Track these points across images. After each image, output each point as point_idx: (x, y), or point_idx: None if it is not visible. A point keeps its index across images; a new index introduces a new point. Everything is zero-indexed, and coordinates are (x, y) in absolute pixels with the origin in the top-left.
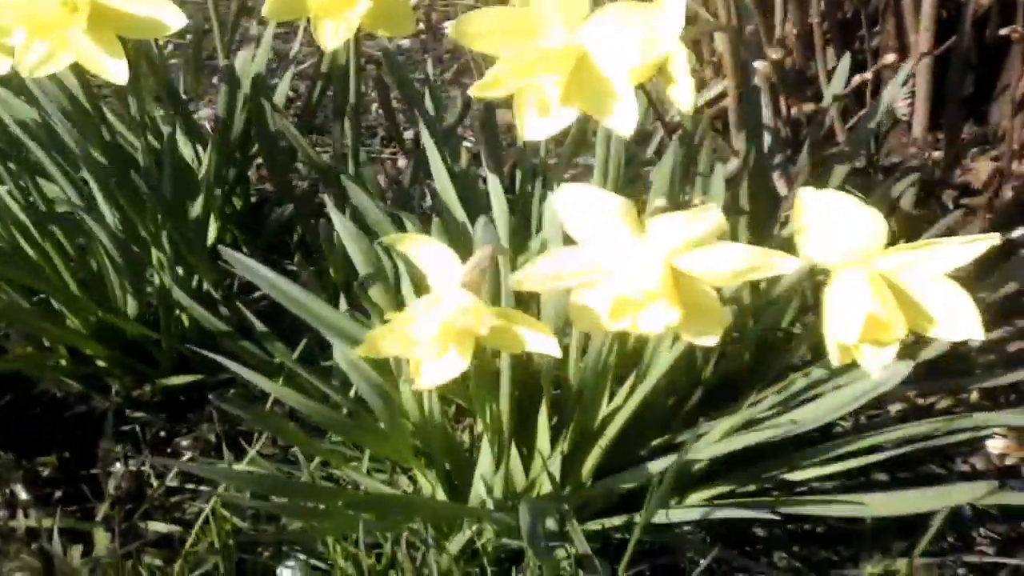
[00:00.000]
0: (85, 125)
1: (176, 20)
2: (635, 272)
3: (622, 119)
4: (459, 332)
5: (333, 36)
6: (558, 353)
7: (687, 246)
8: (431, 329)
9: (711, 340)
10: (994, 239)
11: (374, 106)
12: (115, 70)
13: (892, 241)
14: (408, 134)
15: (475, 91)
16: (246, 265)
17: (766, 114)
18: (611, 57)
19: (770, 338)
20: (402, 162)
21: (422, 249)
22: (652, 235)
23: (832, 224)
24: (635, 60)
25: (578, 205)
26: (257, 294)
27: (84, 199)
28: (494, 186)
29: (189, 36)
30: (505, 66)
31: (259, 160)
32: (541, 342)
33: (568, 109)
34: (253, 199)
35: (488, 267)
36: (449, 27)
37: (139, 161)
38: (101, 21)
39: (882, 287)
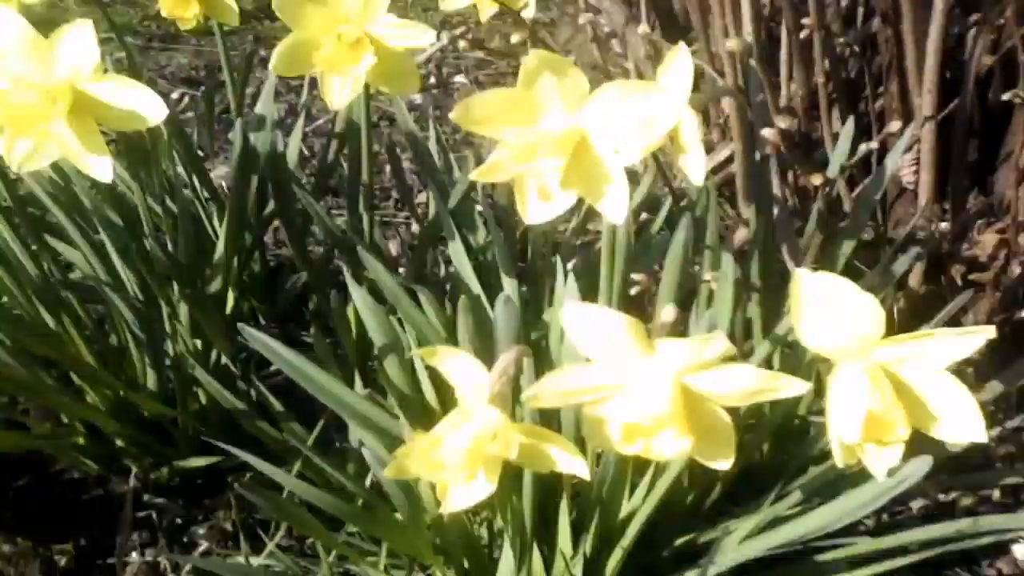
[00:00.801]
0: (105, 192)
1: (156, 113)
2: (645, 397)
3: (615, 206)
4: (488, 455)
5: (340, 94)
6: (587, 475)
7: (696, 368)
8: (459, 453)
9: (724, 464)
10: (989, 332)
11: (388, 166)
12: (99, 167)
13: (902, 321)
14: (421, 197)
15: (477, 176)
16: (265, 344)
17: (774, 182)
18: (610, 140)
19: (788, 426)
20: (415, 227)
21: (451, 362)
22: (661, 358)
23: (830, 310)
24: (634, 143)
25: (586, 323)
26: (274, 367)
27: (103, 265)
28: (509, 285)
29: (202, 88)
30: (506, 151)
31: (274, 223)
32: (570, 463)
33: (569, 193)
34: (271, 264)
35: (514, 371)
36: (452, 112)
37: (156, 225)
38: (82, 114)
39: (882, 382)
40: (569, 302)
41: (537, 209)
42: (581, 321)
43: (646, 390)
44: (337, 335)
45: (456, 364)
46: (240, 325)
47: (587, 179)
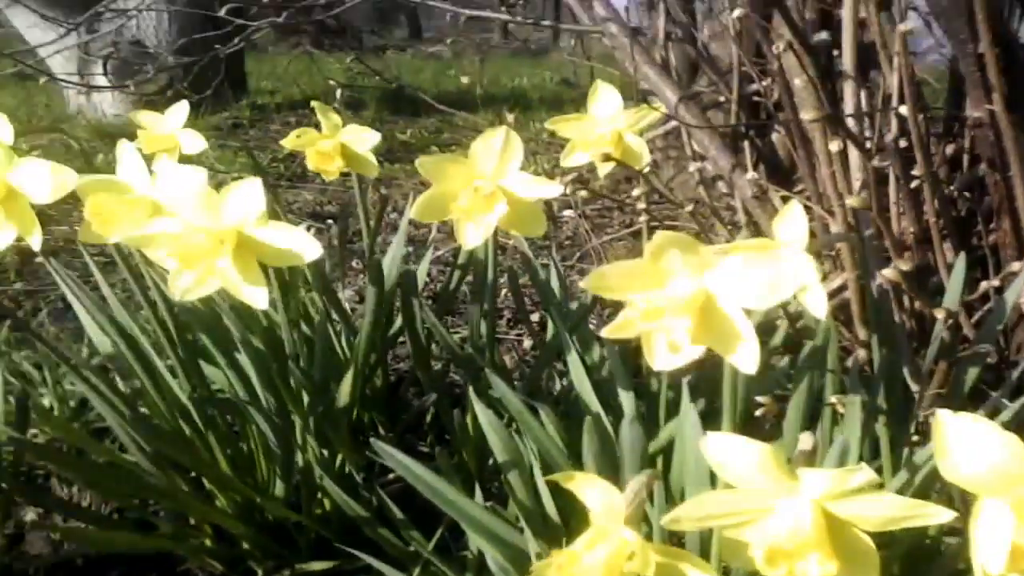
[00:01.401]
0: (247, 315)
1: (312, 251)
2: (789, 522)
3: (746, 359)
4: (625, 574)
5: (472, 236)
6: None
7: (838, 496)
8: (597, 571)
9: None
10: None
11: (503, 290)
12: (256, 297)
13: None
14: (534, 316)
15: (608, 333)
16: (393, 456)
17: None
18: (736, 303)
19: (919, 546)
20: (527, 343)
21: (587, 488)
22: (803, 486)
23: (973, 448)
24: (762, 302)
25: (726, 452)
26: (393, 475)
27: (242, 382)
28: (628, 404)
29: (328, 221)
30: (635, 311)
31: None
32: None
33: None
34: (391, 378)
35: (644, 495)
36: (585, 280)
37: (292, 346)
38: (244, 252)
39: None
40: (710, 436)
41: (665, 359)
42: (723, 451)
43: (790, 515)
44: (454, 445)
45: (590, 487)
46: (372, 440)
47: (716, 335)
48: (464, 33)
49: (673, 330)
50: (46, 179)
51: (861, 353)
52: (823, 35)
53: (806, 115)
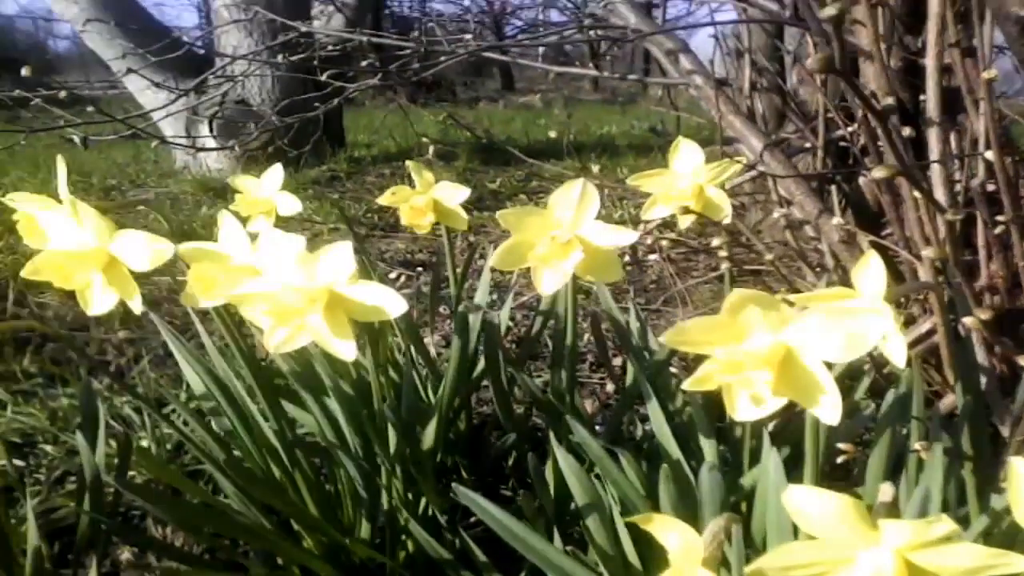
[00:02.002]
0: (336, 360)
1: (397, 309)
2: (870, 573)
3: (828, 411)
4: None
5: (550, 283)
6: None
7: (919, 547)
8: None
9: None
10: None
11: (586, 334)
12: (344, 349)
13: None
14: (617, 360)
15: (688, 386)
16: (474, 500)
17: (979, 353)
18: (816, 356)
19: None
20: (610, 387)
21: (666, 529)
22: (884, 536)
23: None
24: (840, 357)
25: (807, 504)
26: (476, 518)
27: (331, 427)
28: (709, 450)
29: (418, 269)
30: (716, 365)
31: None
32: None
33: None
34: (474, 422)
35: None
36: (665, 336)
37: (379, 391)
38: (335, 309)
39: None
40: (791, 489)
41: (747, 411)
42: (804, 503)
43: (872, 566)
44: (535, 488)
45: (669, 529)
46: (454, 485)
47: (797, 387)
48: (555, 84)
49: (754, 383)
50: (144, 249)
51: (949, 398)
52: (889, 100)
53: (878, 172)
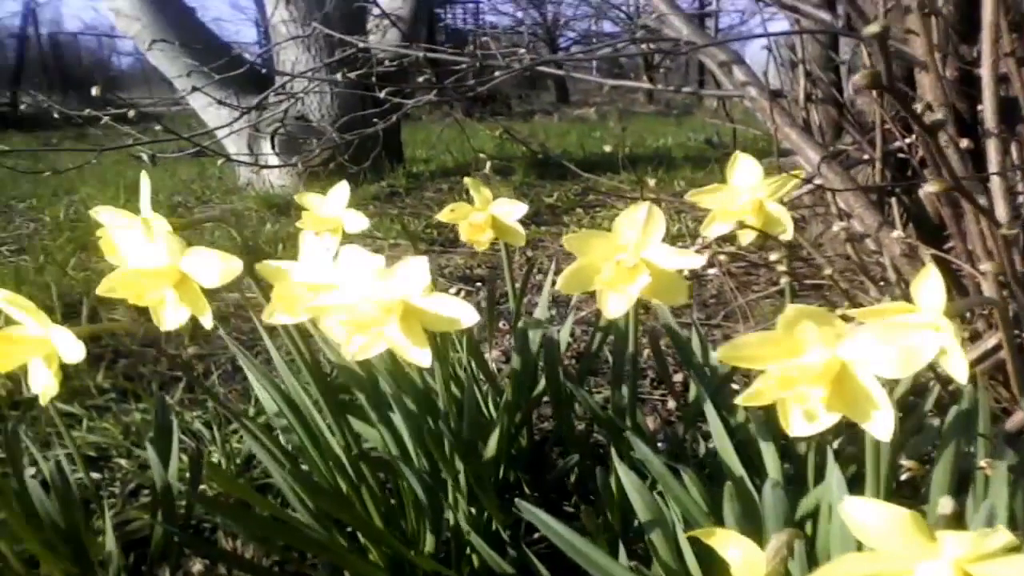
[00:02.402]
0: (401, 379)
1: (469, 318)
2: None
3: (881, 427)
4: None
5: (616, 306)
6: None
7: (978, 559)
8: None
9: None
10: None
11: (646, 350)
12: (420, 357)
13: None
14: (677, 376)
15: (742, 401)
16: (537, 516)
17: None
18: (870, 372)
19: None
20: (671, 403)
21: (728, 544)
22: (943, 548)
23: None
24: (896, 373)
25: (866, 515)
26: (539, 533)
27: (396, 442)
28: (772, 466)
29: (478, 284)
30: (770, 380)
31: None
32: None
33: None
34: (535, 438)
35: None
36: (719, 352)
37: (441, 407)
38: (409, 319)
39: None
40: (850, 500)
41: (801, 426)
42: (863, 514)
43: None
44: (597, 505)
45: (731, 543)
46: (517, 500)
47: (851, 403)
48: (609, 96)
49: (808, 399)
50: (215, 266)
51: (1017, 416)
52: (939, 115)
53: (931, 187)
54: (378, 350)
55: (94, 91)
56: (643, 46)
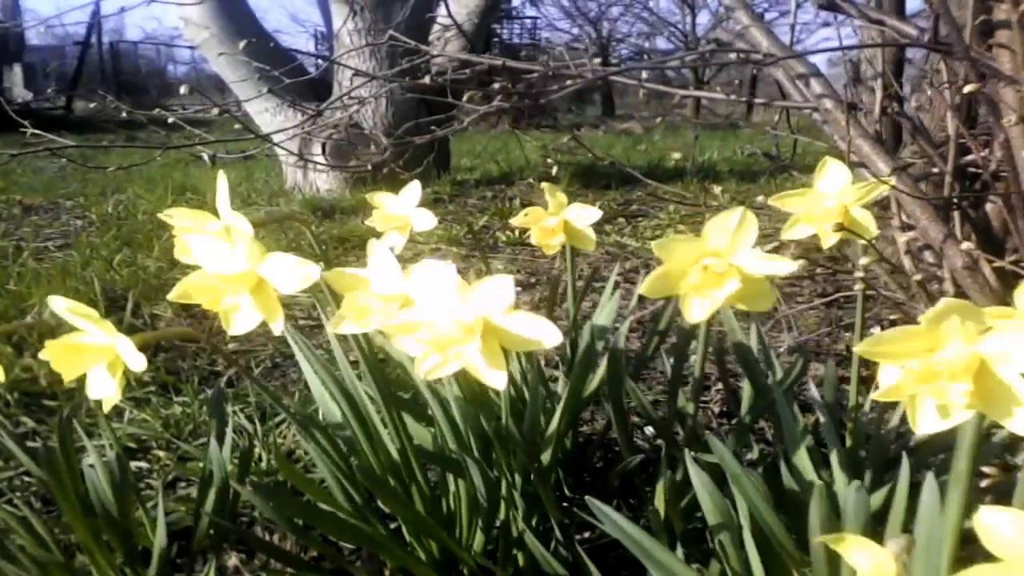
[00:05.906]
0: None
1: (553, 339)
2: None
3: (1022, 424)
4: None
5: (699, 311)
6: None
7: None
8: None
9: None
10: None
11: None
12: (495, 379)
13: None
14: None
15: (877, 397)
16: (607, 515)
17: None
18: (1014, 367)
19: None
20: (726, 407)
21: (856, 549)
22: None
23: None
24: None
25: (1000, 525)
26: (587, 534)
27: (456, 438)
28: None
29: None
30: (908, 377)
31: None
32: None
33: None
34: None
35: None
36: (858, 347)
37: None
38: (489, 338)
39: None
40: (985, 510)
41: (932, 422)
42: (997, 525)
43: None
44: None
45: (859, 549)
46: (587, 499)
47: (989, 400)
48: (654, 110)
49: (947, 393)
50: (293, 272)
51: None
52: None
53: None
54: (452, 370)
55: (183, 90)
56: (730, 55)
